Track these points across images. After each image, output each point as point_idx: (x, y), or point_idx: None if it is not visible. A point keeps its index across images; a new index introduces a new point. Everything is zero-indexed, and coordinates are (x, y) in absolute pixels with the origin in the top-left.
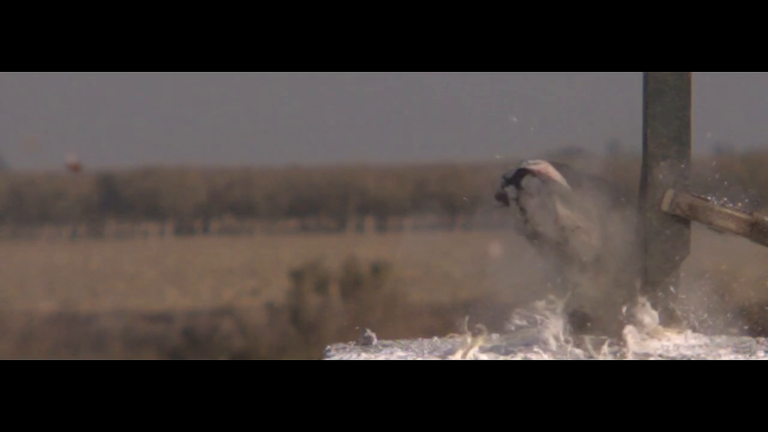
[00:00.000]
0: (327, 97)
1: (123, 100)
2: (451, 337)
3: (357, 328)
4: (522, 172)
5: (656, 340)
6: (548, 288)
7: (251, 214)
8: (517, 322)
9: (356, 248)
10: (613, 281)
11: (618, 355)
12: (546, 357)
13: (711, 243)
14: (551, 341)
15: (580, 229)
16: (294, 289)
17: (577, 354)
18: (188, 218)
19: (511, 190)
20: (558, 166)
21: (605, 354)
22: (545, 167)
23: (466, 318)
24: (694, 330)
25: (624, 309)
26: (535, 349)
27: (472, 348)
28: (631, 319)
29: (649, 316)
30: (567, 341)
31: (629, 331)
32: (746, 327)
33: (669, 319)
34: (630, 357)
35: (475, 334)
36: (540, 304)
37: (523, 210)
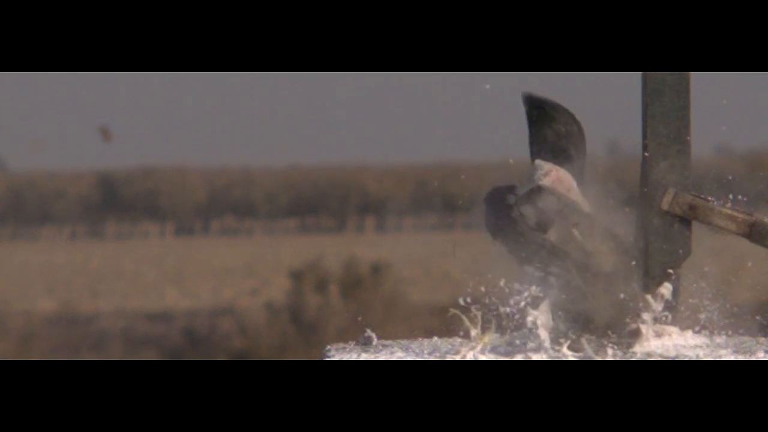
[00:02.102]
0: (327, 97)
1: (123, 100)
2: (453, 313)
3: (359, 318)
4: (537, 191)
5: (658, 338)
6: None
7: (251, 214)
8: (509, 309)
9: (356, 248)
10: (622, 284)
11: (627, 351)
12: (546, 357)
13: (712, 243)
14: (544, 338)
15: (600, 247)
16: (294, 289)
17: (575, 355)
18: (188, 218)
19: (528, 212)
20: (562, 161)
21: (608, 355)
22: (556, 175)
23: (480, 312)
24: (695, 330)
25: (632, 307)
26: (532, 345)
27: (479, 343)
28: (642, 313)
29: (656, 311)
30: (565, 339)
31: (644, 320)
32: (746, 327)
33: (670, 319)
34: (639, 353)
35: (485, 328)
36: (533, 290)
37: (542, 229)
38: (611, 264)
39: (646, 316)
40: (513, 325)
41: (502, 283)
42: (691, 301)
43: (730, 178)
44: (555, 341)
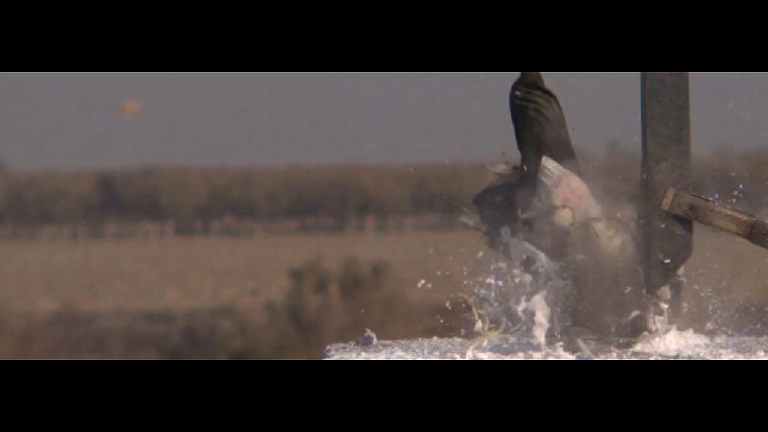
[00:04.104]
0: (327, 96)
1: (123, 101)
2: (463, 303)
3: (362, 311)
4: (551, 210)
5: (660, 337)
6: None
7: (251, 214)
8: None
9: (356, 248)
10: (629, 283)
11: (627, 351)
12: (545, 357)
13: (713, 243)
14: (540, 336)
15: (609, 248)
16: (294, 289)
17: (575, 355)
18: (188, 218)
19: (544, 228)
20: (567, 157)
21: (610, 355)
22: (567, 184)
23: (486, 308)
24: (695, 329)
25: (636, 305)
26: (530, 343)
27: (484, 339)
28: (648, 312)
29: (660, 310)
30: (562, 339)
31: (651, 318)
32: (746, 327)
33: (671, 318)
34: (639, 352)
35: (491, 326)
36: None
37: (558, 241)
38: (619, 263)
39: (651, 314)
40: (497, 310)
41: (480, 254)
42: (694, 300)
43: (734, 174)
44: (551, 341)
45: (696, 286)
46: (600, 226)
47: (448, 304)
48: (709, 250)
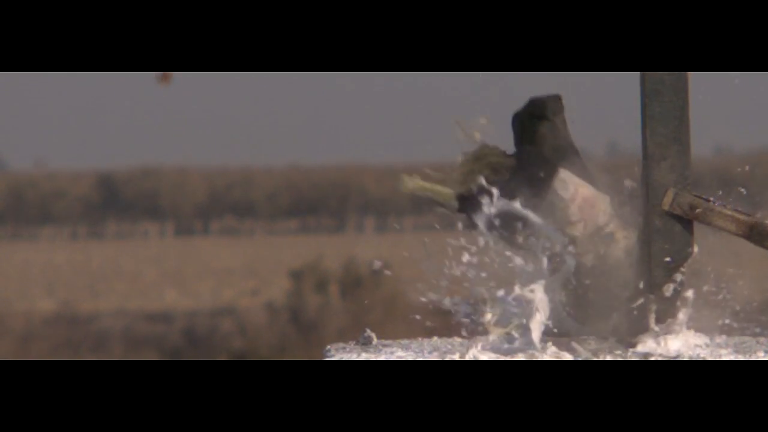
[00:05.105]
0: (327, 96)
1: (123, 100)
2: (472, 302)
3: (366, 301)
4: (566, 224)
5: (660, 337)
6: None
7: (251, 214)
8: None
9: (356, 248)
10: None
11: (627, 351)
12: (545, 357)
13: (713, 243)
14: (537, 336)
15: (618, 253)
16: (294, 289)
17: (574, 355)
18: (188, 218)
19: (560, 239)
20: (574, 160)
21: (609, 355)
22: (581, 196)
23: (491, 305)
24: (696, 330)
25: (637, 307)
26: (525, 342)
27: (491, 333)
28: (648, 313)
29: (660, 310)
30: (558, 335)
31: (651, 319)
32: (746, 327)
33: (672, 319)
34: (639, 352)
35: (497, 325)
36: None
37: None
38: (625, 264)
39: (652, 314)
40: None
41: (478, 241)
42: (695, 299)
43: (737, 170)
44: (549, 340)
45: (702, 287)
46: (610, 228)
47: (438, 301)
48: (710, 245)
